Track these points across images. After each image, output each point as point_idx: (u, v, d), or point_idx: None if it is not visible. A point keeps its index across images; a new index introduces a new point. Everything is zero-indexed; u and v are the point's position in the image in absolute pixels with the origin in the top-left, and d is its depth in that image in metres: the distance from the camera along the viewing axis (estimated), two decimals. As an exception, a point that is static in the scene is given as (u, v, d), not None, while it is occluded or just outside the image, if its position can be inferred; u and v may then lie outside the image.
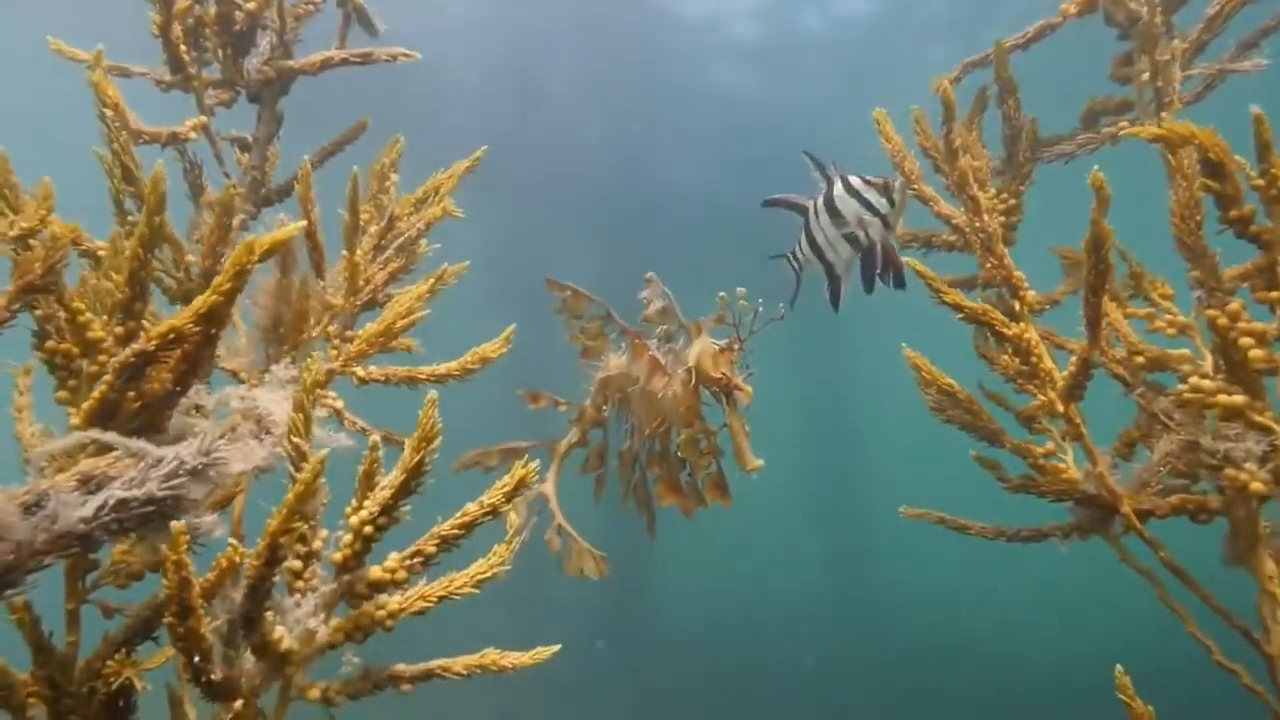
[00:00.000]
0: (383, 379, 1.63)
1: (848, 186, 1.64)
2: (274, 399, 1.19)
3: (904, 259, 1.62)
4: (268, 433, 1.14)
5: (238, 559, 1.00)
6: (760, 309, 1.46)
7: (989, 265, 1.60)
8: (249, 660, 1.03)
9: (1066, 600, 13.96)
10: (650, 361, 1.57)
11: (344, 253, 1.65)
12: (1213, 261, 1.33)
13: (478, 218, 1.86)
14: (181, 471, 0.98)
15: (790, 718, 10.00)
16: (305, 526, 1.06)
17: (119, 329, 1.10)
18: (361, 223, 1.69)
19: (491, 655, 1.17)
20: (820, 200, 1.68)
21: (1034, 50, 1.97)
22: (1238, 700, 1.41)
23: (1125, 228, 1.49)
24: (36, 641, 1.15)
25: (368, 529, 1.05)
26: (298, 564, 1.07)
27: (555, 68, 10.42)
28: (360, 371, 1.60)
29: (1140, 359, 1.53)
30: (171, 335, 1.02)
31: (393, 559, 1.09)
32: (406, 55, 1.82)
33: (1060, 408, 1.48)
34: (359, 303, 1.66)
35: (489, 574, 1.14)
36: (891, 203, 1.63)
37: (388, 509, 1.05)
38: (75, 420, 1.06)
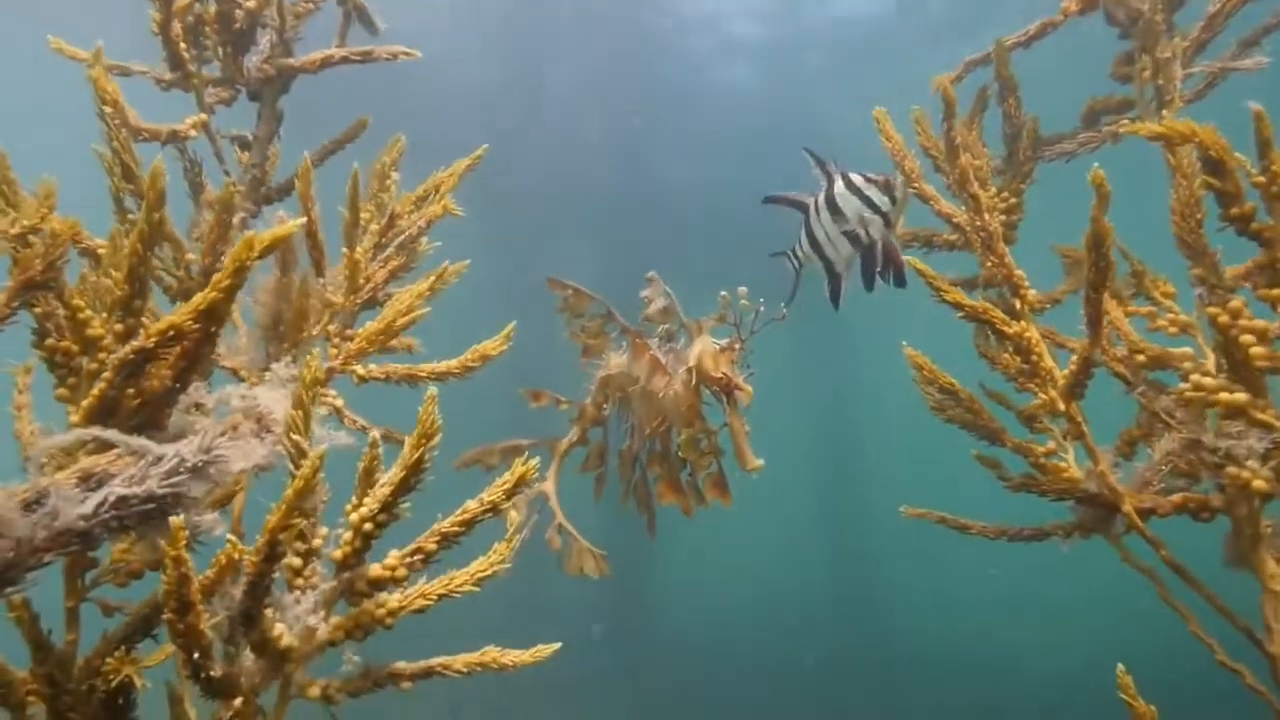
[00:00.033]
0: (383, 377, 1.62)
1: (849, 184, 1.64)
2: (274, 397, 1.18)
3: (905, 257, 1.61)
4: (268, 431, 1.14)
5: (237, 555, 1.00)
6: (761, 308, 1.46)
7: (990, 264, 1.60)
8: (249, 658, 1.03)
9: (1067, 601, 13.95)
10: (651, 361, 1.57)
11: (344, 251, 1.65)
12: (1214, 259, 1.33)
13: (477, 216, 1.85)
14: (182, 469, 0.98)
15: (790, 718, 9.98)
16: (305, 523, 1.06)
17: (118, 326, 1.10)
18: (362, 221, 1.68)
19: (492, 653, 1.17)
20: (821, 197, 1.67)
21: (1035, 48, 1.97)
22: (1239, 700, 1.41)
23: (1126, 226, 1.49)
24: (36, 639, 1.15)
25: (368, 526, 1.05)
26: (297, 561, 1.07)
27: (556, 67, 10.43)
28: (360, 369, 1.60)
29: (1141, 357, 1.53)
30: (171, 332, 1.01)
31: (393, 556, 1.08)
32: (407, 53, 1.82)
33: (1061, 406, 1.48)
34: (359, 301, 1.66)
35: (489, 572, 1.14)
36: (893, 200, 1.63)
37: (388, 506, 1.05)
38: (75, 418, 1.06)
